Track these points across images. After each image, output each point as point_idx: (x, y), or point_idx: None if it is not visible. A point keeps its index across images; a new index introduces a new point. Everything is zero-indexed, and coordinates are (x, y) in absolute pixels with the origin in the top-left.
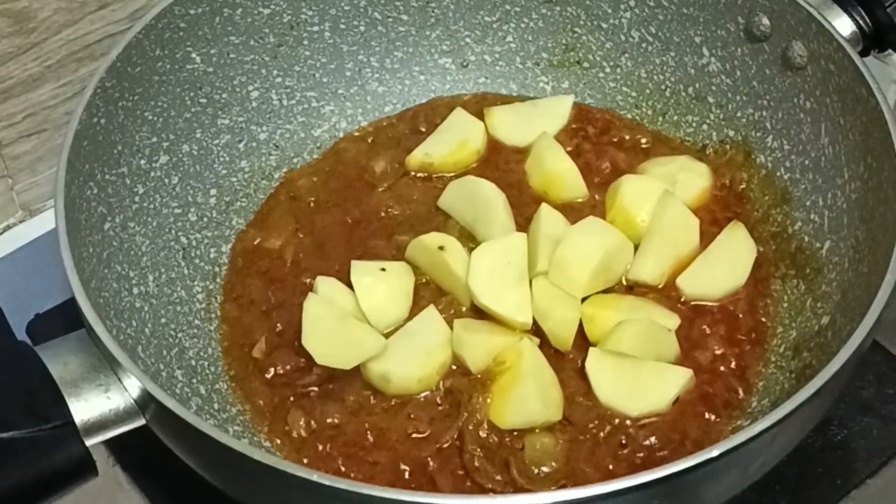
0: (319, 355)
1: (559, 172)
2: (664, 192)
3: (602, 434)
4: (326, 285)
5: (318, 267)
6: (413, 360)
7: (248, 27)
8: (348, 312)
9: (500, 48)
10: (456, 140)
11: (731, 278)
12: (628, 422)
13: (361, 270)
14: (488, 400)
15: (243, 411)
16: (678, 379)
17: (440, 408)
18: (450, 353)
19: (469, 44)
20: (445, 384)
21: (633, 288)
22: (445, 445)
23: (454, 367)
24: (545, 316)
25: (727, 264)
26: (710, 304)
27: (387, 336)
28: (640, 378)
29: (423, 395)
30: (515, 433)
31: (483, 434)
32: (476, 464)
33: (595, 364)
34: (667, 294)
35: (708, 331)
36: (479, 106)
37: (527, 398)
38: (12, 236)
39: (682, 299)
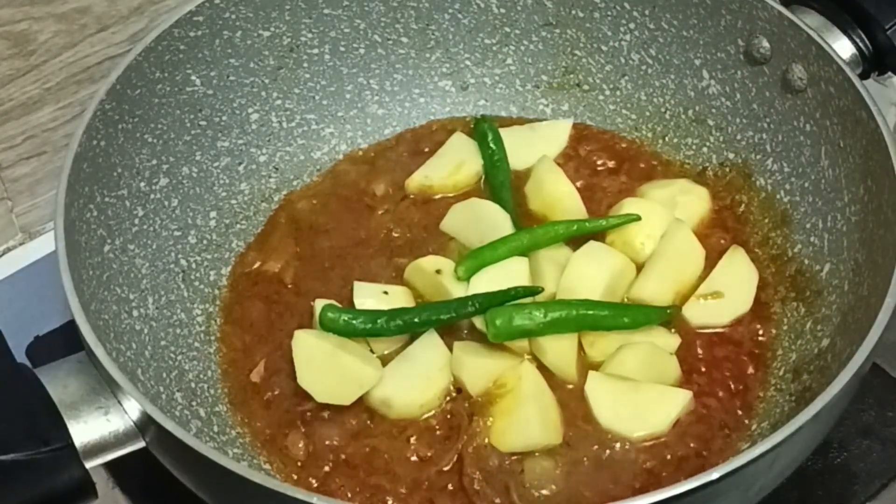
0: (318, 393)
1: (559, 196)
2: (675, 220)
3: (602, 457)
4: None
5: (317, 289)
6: (414, 385)
7: (247, 50)
8: (338, 344)
9: (499, 70)
10: (455, 163)
11: (736, 305)
12: (628, 445)
13: (364, 292)
14: (489, 423)
15: (243, 434)
16: (678, 401)
17: (440, 431)
18: (450, 377)
19: (469, 66)
20: (446, 407)
21: None
22: (445, 468)
23: (456, 390)
24: (542, 350)
25: (731, 291)
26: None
27: (386, 359)
28: (640, 400)
29: (423, 417)
30: (515, 456)
31: (482, 457)
32: (476, 487)
33: (595, 387)
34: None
35: (708, 353)
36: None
37: (528, 421)
38: (12, 259)
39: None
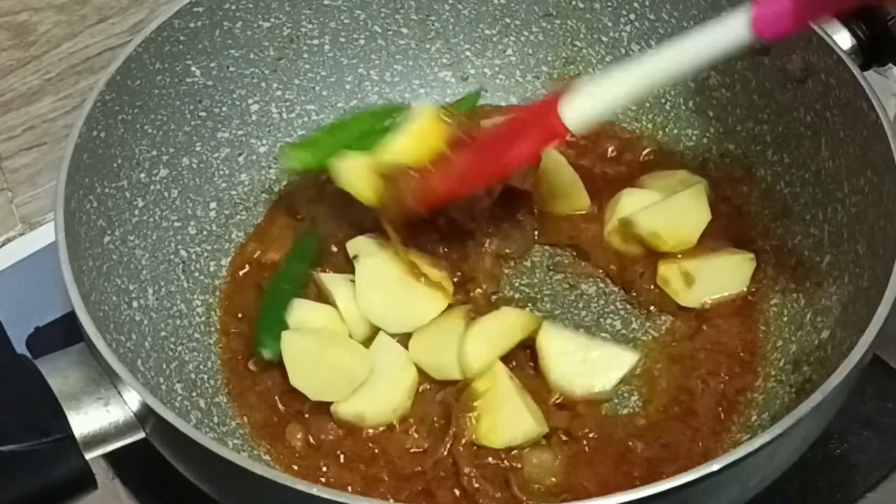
0: (312, 392)
1: (562, 185)
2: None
3: (601, 448)
4: (302, 306)
5: None
6: (381, 391)
7: (247, 40)
8: (325, 340)
9: (500, 61)
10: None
11: (731, 286)
12: (629, 441)
13: (335, 282)
14: (475, 421)
15: (242, 424)
16: (626, 361)
17: (436, 421)
18: (414, 373)
19: (469, 57)
20: (437, 397)
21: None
22: (439, 460)
23: (428, 382)
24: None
25: (725, 276)
26: (711, 315)
27: (367, 343)
28: (590, 359)
29: (402, 419)
30: (513, 451)
31: (477, 455)
32: (475, 485)
33: (546, 340)
34: (674, 306)
35: (708, 344)
36: (478, 119)
37: (519, 414)
38: (12, 249)
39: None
